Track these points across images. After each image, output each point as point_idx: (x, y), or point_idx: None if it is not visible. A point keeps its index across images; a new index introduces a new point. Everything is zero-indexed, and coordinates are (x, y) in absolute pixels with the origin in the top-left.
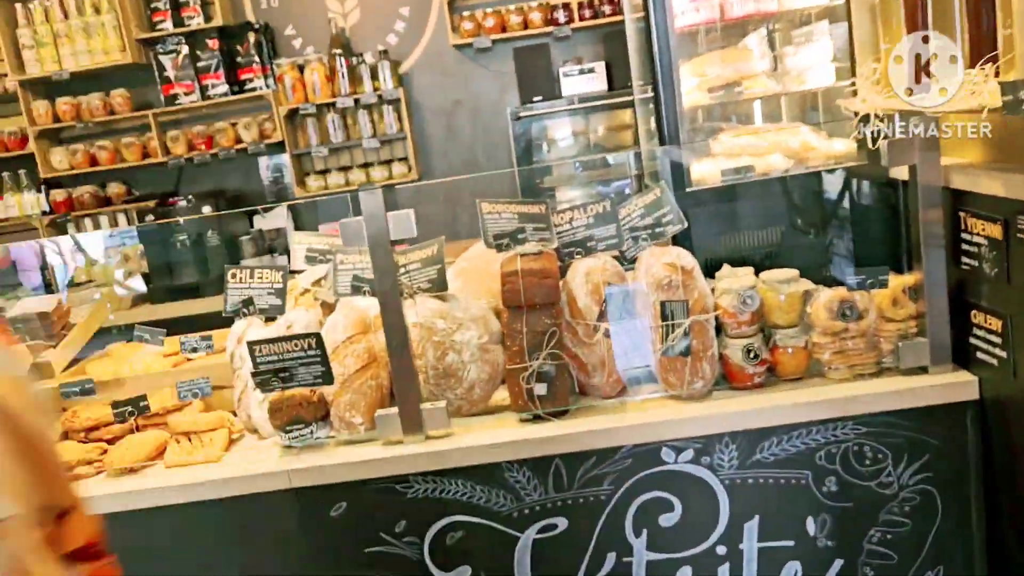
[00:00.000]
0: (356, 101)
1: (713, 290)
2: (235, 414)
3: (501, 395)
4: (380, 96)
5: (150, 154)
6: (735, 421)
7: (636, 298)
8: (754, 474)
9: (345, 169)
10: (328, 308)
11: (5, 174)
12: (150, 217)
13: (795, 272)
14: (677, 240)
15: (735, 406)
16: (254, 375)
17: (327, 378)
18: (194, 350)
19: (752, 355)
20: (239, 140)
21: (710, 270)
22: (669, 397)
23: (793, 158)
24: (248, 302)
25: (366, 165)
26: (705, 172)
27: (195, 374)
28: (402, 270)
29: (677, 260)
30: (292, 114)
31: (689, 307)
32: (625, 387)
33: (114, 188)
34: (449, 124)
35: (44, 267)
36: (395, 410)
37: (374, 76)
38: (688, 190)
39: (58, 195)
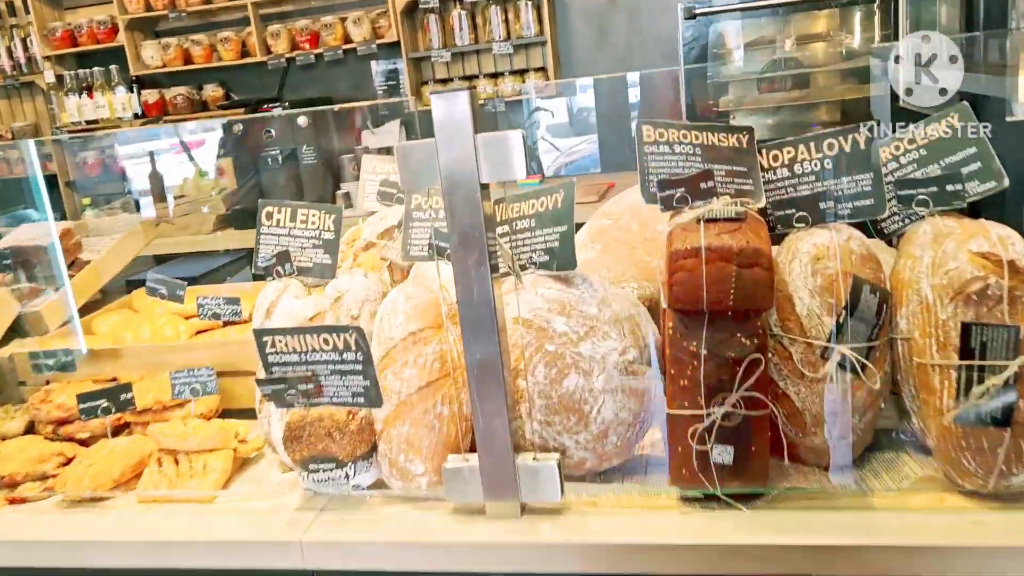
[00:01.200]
0: None
1: None
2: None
3: (651, 444)
4: None
5: (249, 52)
6: None
7: (908, 307)
8: None
9: (470, 78)
10: (401, 273)
11: (95, 69)
12: (238, 127)
13: None
14: (985, 209)
15: None
16: (261, 383)
17: (372, 397)
18: (215, 316)
19: None
20: (348, 39)
21: None
22: (955, 490)
23: None
24: (284, 256)
25: (496, 75)
26: None
27: (210, 353)
28: (501, 230)
29: (998, 247)
30: (411, 9)
31: (1022, 338)
32: (863, 455)
33: (210, 91)
34: (601, 27)
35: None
36: (474, 459)
37: None
38: (1012, 119)
39: (150, 96)
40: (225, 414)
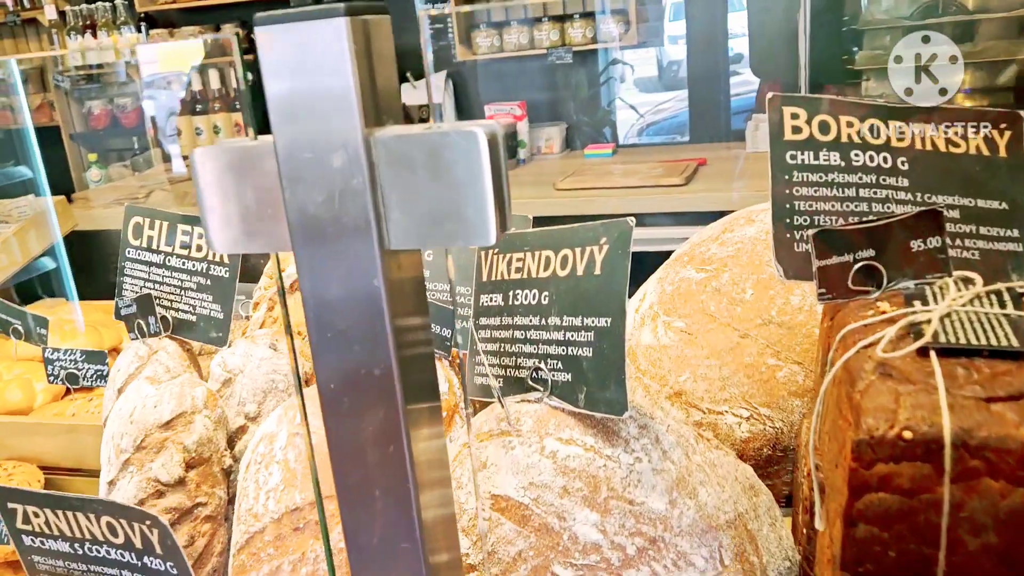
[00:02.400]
0: None
1: None
2: None
3: None
4: None
5: None
6: None
7: None
8: None
9: (533, 23)
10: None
11: (99, 4)
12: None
13: None
14: None
15: None
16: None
17: None
18: (71, 378)
19: None
20: None
21: None
22: None
23: None
24: (146, 304)
25: (563, 17)
26: None
27: (56, 442)
28: (483, 297)
29: None
30: None
31: None
32: None
33: (229, 31)
34: None
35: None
36: None
37: None
38: None
39: (159, 36)
40: None
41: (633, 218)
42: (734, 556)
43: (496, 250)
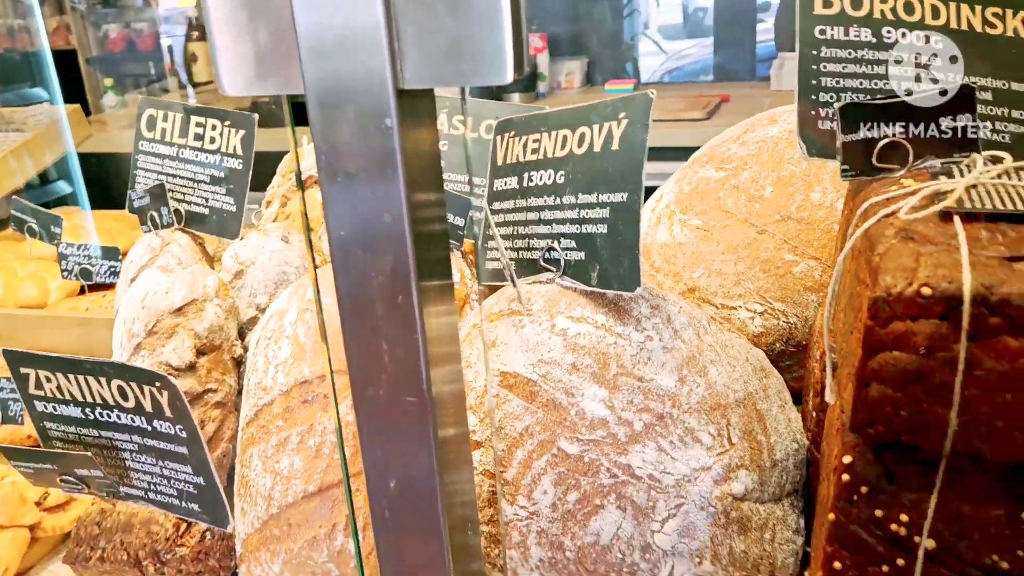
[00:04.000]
0: None
1: None
2: None
3: None
4: None
5: None
6: None
7: None
8: None
9: None
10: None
11: None
12: None
13: None
14: None
15: None
16: (12, 455)
17: (211, 506)
18: (84, 274)
19: None
20: None
21: None
22: None
23: None
24: (158, 195)
25: None
26: None
27: (72, 334)
28: (497, 183)
29: None
30: None
31: None
32: None
33: None
34: None
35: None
36: None
37: None
38: None
39: None
40: None
41: (654, 91)
42: (742, 434)
43: (512, 132)
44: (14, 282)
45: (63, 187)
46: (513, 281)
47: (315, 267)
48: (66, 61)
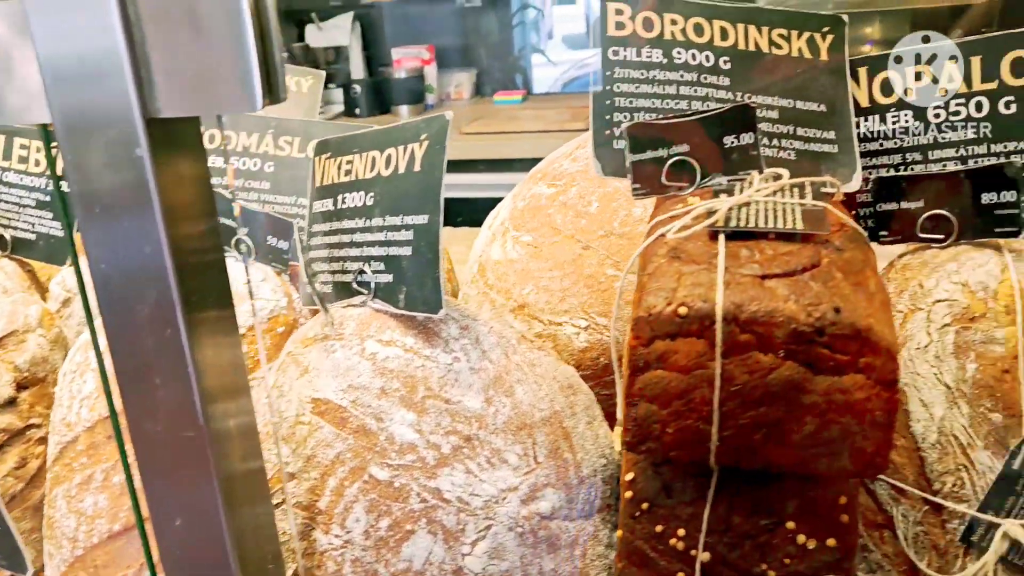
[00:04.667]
0: None
1: None
2: None
3: None
4: None
5: None
6: None
7: None
8: None
9: None
10: None
11: None
12: None
13: None
14: None
15: None
16: None
17: (7, 552)
18: None
19: None
20: None
21: None
22: None
23: None
24: None
25: None
26: None
27: None
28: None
29: None
30: None
31: None
32: None
33: None
34: None
35: None
36: None
37: None
38: None
39: None
40: None
41: (451, 112)
42: (548, 453)
43: (328, 154)
44: None
45: None
46: (323, 306)
47: (88, 304)
48: None
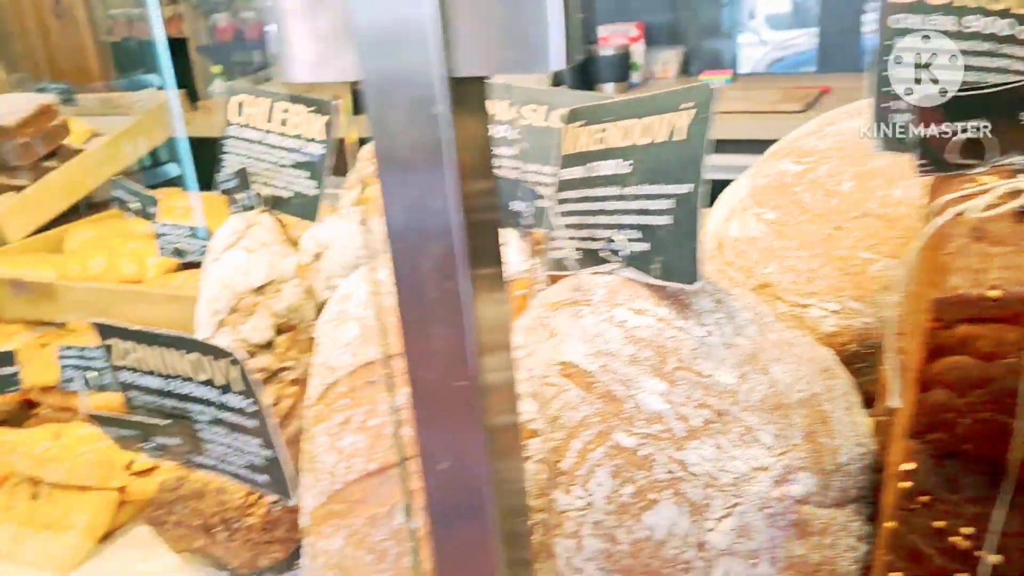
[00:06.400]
0: None
1: None
2: None
3: None
4: None
5: None
6: None
7: None
8: None
9: None
10: None
11: None
12: None
13: None
14: None
15: None
16: (103, 421)
17: (277, 478)
18: (177, 252)
19: None
20: None
21: None
22: None
23: None
24: (242, 177)
25: None
26: None
27: (162, 310)
28: (563, 173)
29: None
30: None
31: None
32: None
33: None
34: None
35: None
36: None
37: None
38: None
39: None
40: None
41: (718, 81)
42: (804, 436)
43: (581, 122)
44: (115, 259)
45: (172, 169)
46: (575, 271)
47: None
48: (178, 50)
